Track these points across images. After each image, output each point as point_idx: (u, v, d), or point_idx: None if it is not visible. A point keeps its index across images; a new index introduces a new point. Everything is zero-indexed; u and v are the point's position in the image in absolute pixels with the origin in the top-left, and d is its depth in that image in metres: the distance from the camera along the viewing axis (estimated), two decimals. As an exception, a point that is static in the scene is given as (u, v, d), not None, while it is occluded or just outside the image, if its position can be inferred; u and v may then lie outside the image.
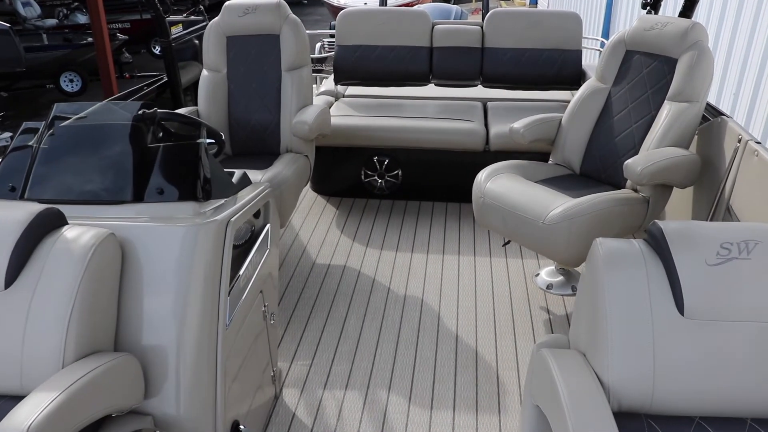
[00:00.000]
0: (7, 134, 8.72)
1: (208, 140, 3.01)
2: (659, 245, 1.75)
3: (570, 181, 3.50)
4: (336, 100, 5.08)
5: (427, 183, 4.63)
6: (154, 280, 1.98)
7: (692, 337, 1.67)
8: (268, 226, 2.64)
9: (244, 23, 3.94)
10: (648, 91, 3.44)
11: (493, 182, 3.35)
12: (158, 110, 2.74)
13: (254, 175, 3.46)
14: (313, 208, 4.60)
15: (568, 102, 4.92)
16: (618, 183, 3.47)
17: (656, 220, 1.81)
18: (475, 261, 3.90)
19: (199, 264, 2.01)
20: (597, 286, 1.75)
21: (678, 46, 3.33)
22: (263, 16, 3.92)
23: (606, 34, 9.74)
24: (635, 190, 3.32)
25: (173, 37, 4.32)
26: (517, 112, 4.69)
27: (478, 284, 3.66)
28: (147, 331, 1.97)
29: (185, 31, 4.46)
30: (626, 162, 3.07)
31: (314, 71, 6.66)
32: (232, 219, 2.16)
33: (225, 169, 3.51)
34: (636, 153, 3.40)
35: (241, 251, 2.46)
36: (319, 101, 4.93)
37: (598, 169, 3.56)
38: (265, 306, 2.58)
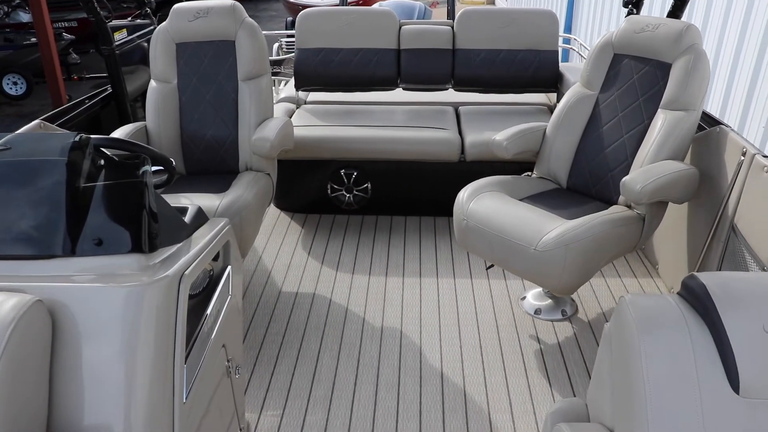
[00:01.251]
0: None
1: (155, 167, 2.66)
2: (702, 305, 1.47)
3: (557, 198, 3.22)
4: (297, 108, 4.73)
5: (399, 196, 4.32)
6: (92, 354, 1.64)
7: (750, 420, 1.39)
8: (229, 269, 2.30)
9: (195, 28, 3.57)
10: (639, 99, 3.18)
11: (477, 203, 3.05)
12: (93, 137, 2.37)
13: (211, 200, 3.11)
14: (277, 227, 4.26)
15: (545, 105, 4.66)
16: (609, 198, 3.21)
17: (694, 273, 1.53)
18: (456, 283, 3.60)
19: (148, 331, 1.67)
20: (630, 354, 1.46)
21: (672, 49, 3.08)
22: (216, 19, 3.55)
23: (568, 29, 9.53)
24: (628, 206, 3.06)
25: (117, 43, 3.92)
26: (491, 118, 4.41)
27: (460, 311, 3.36)
28: (87, 417, 1.63)
29: (130, 37, 4.06)
30: (624, 180, 2.80)
31: (272, 74, 6.29)
32: (187, 272, 1.82)
33: (179, 199, 3.14)
34: (628, 166, 3.13)
35: (198, 302, 2.11)
36: (279, 109, 4.58)
37: (586, 183, 3.29)
38: (228, 360, 2.24)
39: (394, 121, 4.30)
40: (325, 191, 4.31)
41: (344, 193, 4.29)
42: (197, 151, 3.62)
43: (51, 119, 3.50)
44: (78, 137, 1.98)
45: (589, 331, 3.19)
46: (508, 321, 3.28)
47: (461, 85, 4.55)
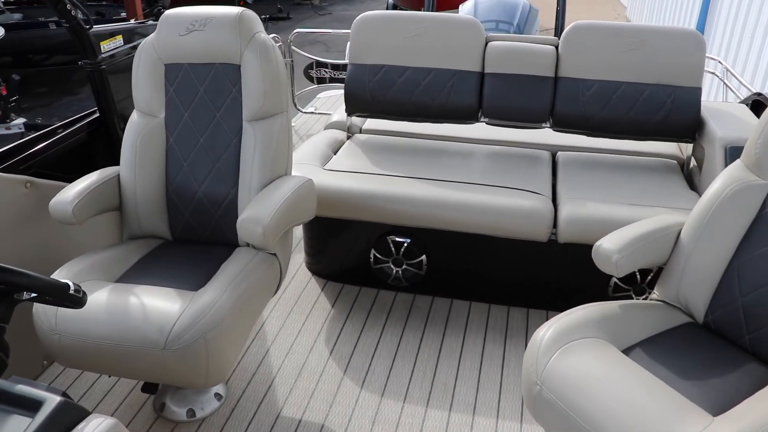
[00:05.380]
0: (21, 120, 7.67)
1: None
2: None
3: (689, 348, 2.06)
4: (349, 137, 3.71)
5: (464, 276, 3.23)
6: None
7: None
8: None
9: (189, 45, 2.61)
10: None
11: (561, 359, 1.94)
12: None
13: (172, 304, 2.15)
14: (303, 300, 3.27)
15: (674, 159, 3.44)
16: (774, 355, 2.03)
17: None
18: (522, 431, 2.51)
19: None
20: None
21: None
22: (216, 34, 2.57)
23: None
24: None
25: (107, 54, 3.01)
26: (600, 175, 3.24)
27: None
28: None
29: (128, 46, 3.15)
30: None
31: (339, 80, 5.29)
32: None
33: (131, 292, 2.22)
34: None
35: None
36: (323, 139, 3.57)
37: (737, 324, 2.11)
38: None
39: (468, 172, 3.21)
40: (368, 259, 3.28)
41: (391, 266, 3.25)
42: (185, 211, 2.67)
43: (8, 154, 2.65)
44: None
45: None
46: None
47: (562, 126, 3.39)
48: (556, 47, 3.39)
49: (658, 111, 3.22)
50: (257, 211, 2.31)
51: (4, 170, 2.58)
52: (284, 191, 2.43)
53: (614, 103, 3.28)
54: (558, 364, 1.92)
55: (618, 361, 1.92)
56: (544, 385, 1.92)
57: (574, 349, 1.95)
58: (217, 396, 2.65)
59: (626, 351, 2.03)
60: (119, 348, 2.10)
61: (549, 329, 2.02)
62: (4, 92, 7.45)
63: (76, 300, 1.66)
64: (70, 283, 1.63)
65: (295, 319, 3.13)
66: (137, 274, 2.40)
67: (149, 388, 2.43)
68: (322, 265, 3.42)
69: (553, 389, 1.89)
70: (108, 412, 2.59)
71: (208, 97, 2.62)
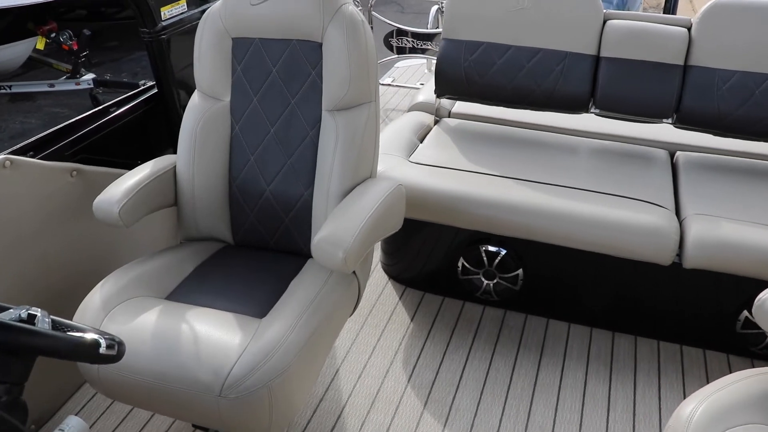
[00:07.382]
0: (90, 76, 7.47)
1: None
2: None
3: None
4: (436, 123, 3.28)
5: (563, 296, 2.79)
6: None
7: None
8: None
9: (262, 17, 2.20)
10: None
11: None
12: None
13: (230, 336, 1.79)
14: (378, 309, 2.89)
15: None
16: None
17: None
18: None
19: None
20: None
21: None
22: (294, 4, 2.15)
23: None
24: None
25: (170, 21, 2.64)
26: (731, 182, 2.73)
27: None
28: None
29: (194, 10, 2.76)
30: None
31: (421, 51, 4.83)
32: None
33: (183, 316, 1.87)
34: None
35: None
36: (408, 123, 3.15)
37: None
38: None
39: (574, 172, 2.75)
40: (455, 268, 2.87)
41: (481, 278, 2.83)
42: (250, 213, 2.30)
43: (54, 137, 2.32)
44: None
45: None
46: None
47: (688, 123, 2.87)
48: (689, 29, 2.85)
49: (814, 111, 2.68)
50: (337, 228, 1.91)
51: (49, 155, 2.26)
52: (370, 202, 2.02)
53: (757, 99, 2.74)
54: (717, 461, 1.48)
55: None
56: (698, 487, 1.48)
57: (737, 441, 1.51)
58: (279, 425, 2.31)
59: None
60: (165, 388, 1.76)
61: (699, 407, 1.58)
62: (76, 47, 7.25)
63: (109, 359, 1.31)
64: (102, 340, 1.28)
65: (369, 333, 2.76)
66: (192, 288, 2.05)
67: (201, 427, 2.10)
68: (400, 269, 3.03)
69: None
70: (156, 437, 2.28)
71: (281, 80, 2.22)
